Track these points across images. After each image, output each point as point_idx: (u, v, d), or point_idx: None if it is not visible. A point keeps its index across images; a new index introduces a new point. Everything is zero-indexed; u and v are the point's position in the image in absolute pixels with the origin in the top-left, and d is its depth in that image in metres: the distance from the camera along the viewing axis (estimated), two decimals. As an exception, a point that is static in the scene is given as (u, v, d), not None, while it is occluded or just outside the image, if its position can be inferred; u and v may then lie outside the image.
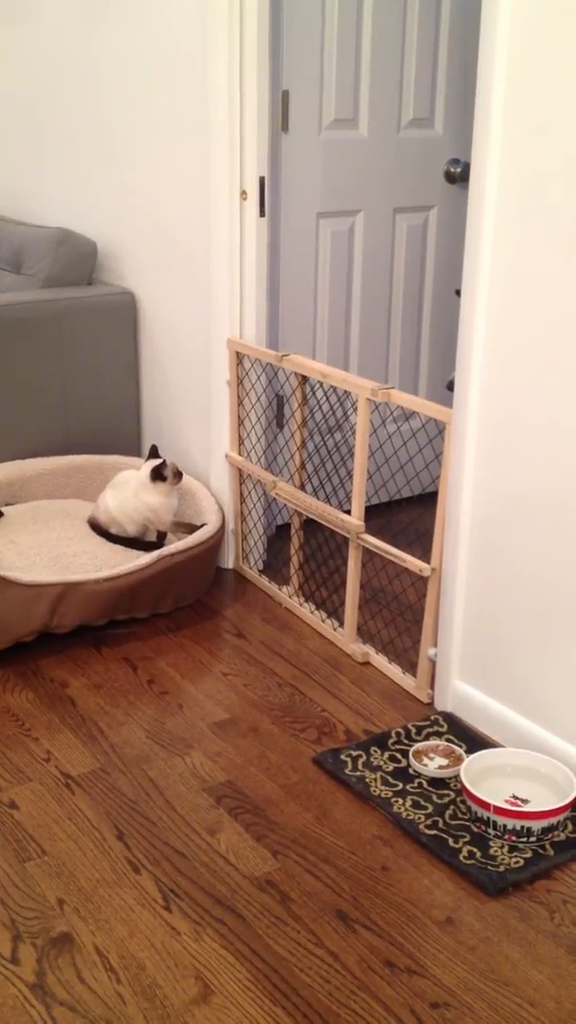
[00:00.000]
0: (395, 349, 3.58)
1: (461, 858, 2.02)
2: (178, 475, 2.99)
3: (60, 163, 3.62)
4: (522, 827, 2.04)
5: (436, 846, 2.05)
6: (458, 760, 2.28)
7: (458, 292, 3.52)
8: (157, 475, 2.95)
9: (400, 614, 2.98)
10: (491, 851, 2.04)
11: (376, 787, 2.23)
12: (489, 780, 2.18)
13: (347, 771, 2.27)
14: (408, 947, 1.84)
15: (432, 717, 2.48)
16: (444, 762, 2.29)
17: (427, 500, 3.63)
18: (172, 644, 2.81)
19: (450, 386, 2.34)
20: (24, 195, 3.88)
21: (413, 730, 2.42)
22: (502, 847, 2.05)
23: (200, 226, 3.01)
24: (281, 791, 2.23)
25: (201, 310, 3.10)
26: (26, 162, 3.82)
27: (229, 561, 3.24)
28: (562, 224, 2.03)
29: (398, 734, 2.40)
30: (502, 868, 2.00)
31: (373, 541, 2.65)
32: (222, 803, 2.19)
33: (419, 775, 2.27)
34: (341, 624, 2.85)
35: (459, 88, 3.37)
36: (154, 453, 3.05)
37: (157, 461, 2.97)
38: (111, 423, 3.46)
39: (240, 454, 3.11)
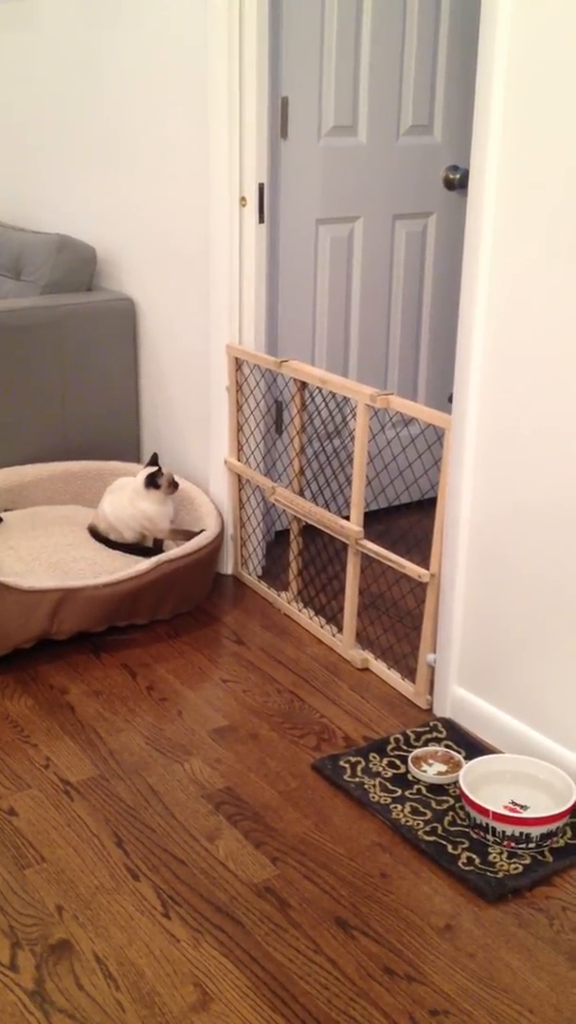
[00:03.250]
0: (394, 355, 3.59)
1: (460, 864, 2.02)
2: (173, 485, 2.99)
3: (60, 169, 3.63)
4: (521, 833, 2.04)
5: (435, 852, 2.05)
6: (457, 766, 2.28)
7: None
8: (151, 483, 2.95)
9: (399, 620, 2.98)
10: (490, 857, 2.04)
11: (375, 793, 2.22)
12: (488, 786, 2.18)
13: (346, 777, 2.27)
14: (407, 954, 1.84)
15: (431, 723, 2.48)
16: (443, 768, 2.29)
17: (426, 506, 3.63)
18: (171, 650, 2.81)
19: (451, 399, 2.35)
20: (24, 201, 3.89)
21: (412, 736, 2.42)
22: (501, 853, 2.05)
23: (200, 232, 3.02)
24: (280, 797, 2.23)
25: (200, 316, 3.11)
26: (26, 168, 3.83)
27: (228, 567, 3.24)
28: (561, 230, 2.03)
29: (397, 740, 2.40)
30: (501, 874, 2.00)
31: (372, 547, 2.65)
32: (221, 810, 2.19)
33: (418, 781, 2.27)
34: (340, 630, 2.85)
35: (458, 95, 3.38)
36: (154, 461, 3.06)
37: (153, 469, 2.97)
38: (110, 429, 3.46)
39: (239, 460, 3.12)
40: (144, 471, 2.98)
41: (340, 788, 2.25)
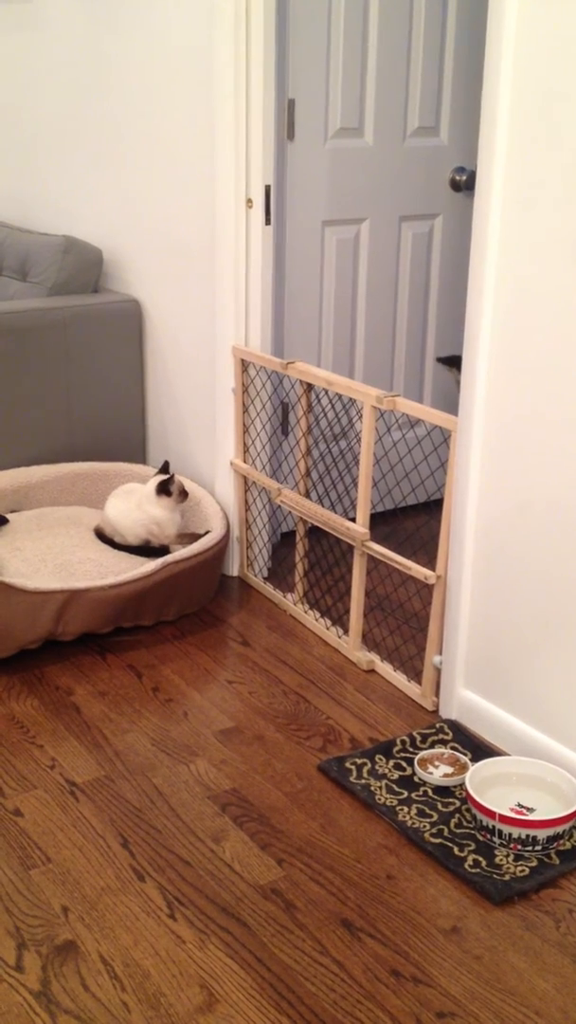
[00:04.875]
0: (400, 356, 3.58)
1: (466, 867, 2.02)
2: (183, 494, 3.00)
3: (66, 171, 3.63)
4: (527, 836, 2.04)
5: (441, 855, 2.05)
6: (463, 768, 2.28)
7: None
8: (163, 489, 2.96)
9: (405, 622, 2.98)
10: (496, 860, 2.03)
11: (381, 795, 2.22)
12: (494, 788, 2.17)
13: (352, 779, 2.27)
14: (413, 956, 1.83)
15: (437, 725, 2.47)
16: (449, 770, 2.29)
17: (432, 507, 3.63)
18: (177, 651, 2.81)
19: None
20: (30, 203, 3.89)
21: (418, 738, 2.42)
22: (507, 856, 2.04)
23: (206, 234, 3.02)
24: (286, 799, 2.23)
25: (206, 317, 3.11)
26: (32, 169, 3.83)
27: (234, 568, 3.24)
28: (567, 231, 2.03)
29: (403, 742, 2.40)
30: (507, 877, 1.99)
31: (378, 548, 2.65)
32: (227, 811, 2.19)
33: (424, 783, 2.27)
34: (346, 632, 2.84)
35: (464, 96, 3.38)
36: (165, 469, 3.07)
37: (165, 476, 2.98)
38: (116, 430, 3.46)
39: (245, 461, 3.12)
40: (155, 478, 2.99)
41: (346, 790, 2.25)
